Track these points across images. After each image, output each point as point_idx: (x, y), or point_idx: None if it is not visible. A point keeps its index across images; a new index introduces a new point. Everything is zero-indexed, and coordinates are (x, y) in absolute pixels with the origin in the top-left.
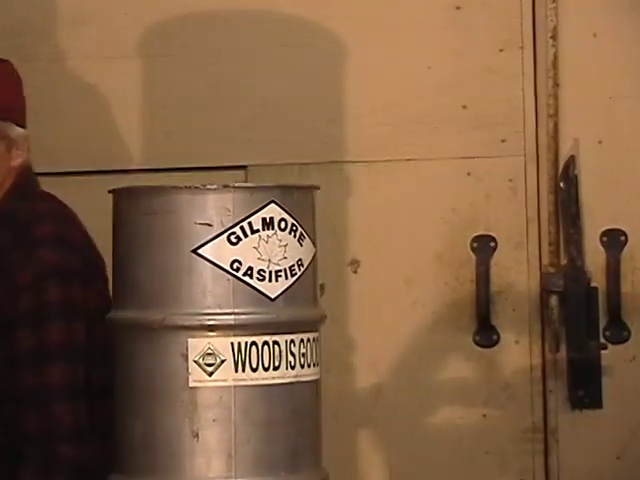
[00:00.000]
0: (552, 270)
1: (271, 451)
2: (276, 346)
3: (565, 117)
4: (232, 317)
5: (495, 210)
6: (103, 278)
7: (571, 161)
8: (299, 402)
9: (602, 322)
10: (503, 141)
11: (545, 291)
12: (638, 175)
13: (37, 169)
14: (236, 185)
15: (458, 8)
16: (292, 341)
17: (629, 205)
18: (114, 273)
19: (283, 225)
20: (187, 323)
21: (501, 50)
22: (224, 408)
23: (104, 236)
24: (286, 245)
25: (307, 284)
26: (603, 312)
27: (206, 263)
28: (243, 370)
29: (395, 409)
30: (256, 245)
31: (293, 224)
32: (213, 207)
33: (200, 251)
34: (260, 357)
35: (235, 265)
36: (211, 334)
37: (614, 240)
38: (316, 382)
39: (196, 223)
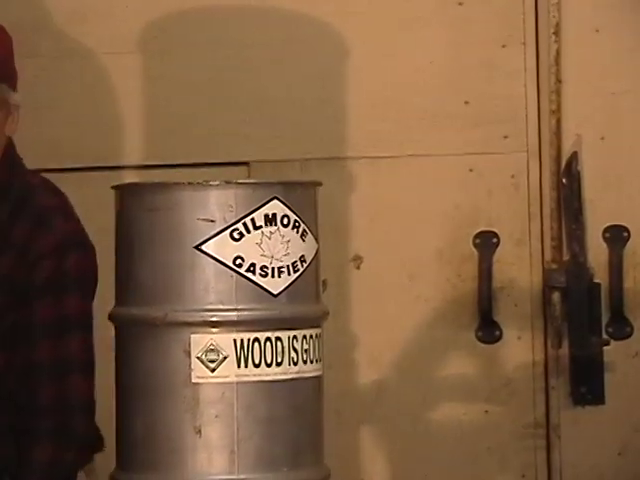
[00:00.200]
0: (554, 266)
1: (273, 447)
2: (279, 342)
3: (567, 113)
4: (235, 313)
5: (497, 206)
6: None
7: (573, 157)
8: (301, 398)
9: (604, 318)
10: (505, 137)
11: (547, 287)
12: None
13: (39, 165)
14: (238, 181)
15: (460, 4)
16: (295, 337)
17: (632, 201)
18: (116, 269)
19: (286, 221)
20: (190, 319)
21: (503, 46)
22: (226, 404)
23: (106, 232)
24: (289, 241)
25: (310, 280)
26: (605, 308)
27: (209, 259)
28: (246, 366)
29: (397, 405)
30: (259, 241)
31: (296, 220)
32: (215, 203)
33: (203, 247)
34: (262, 353)
35: (238, 261)
36: (214, 330)
37: (617, 236)
38: (318, 378)
39: (198, 219)
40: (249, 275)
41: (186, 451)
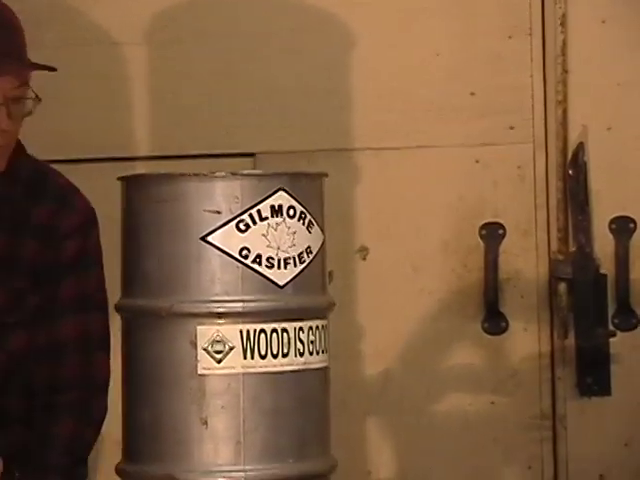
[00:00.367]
0: (561, 257)
1: (279, 438)
2: (285, 333)
3: (574, 104)
4: (241, 304)
5: (503, 197)
6: None
7: (580, 148)
8: (307, 389)
9: (611, 309)
10: (511, 128)
11: (554, 278)
12: None
13: (45, 157)
14: (244, 172)
15: None
16: (301, 328)
17: (638, 192)
18: (123, 261)
19: (292, 212)
20: (196, 310)
21: (510, 37)
22: (233, 395)
23: (112, 223)
24: (295, 232)
25: (316, 271)
26: (612, 299)
27: (215, 250)
28: (252, 357)
29: (403, 396)
30: (265, 232)
31: (302, 211)
32: (221, 194)
33: (209, 238)
34: (269, 344)
35: (244, 252)
36: (220, 321)
37: (623, 227)
38: (324, 369)
39: (204, 211)
40: (255, 266)
41: (192, 442)
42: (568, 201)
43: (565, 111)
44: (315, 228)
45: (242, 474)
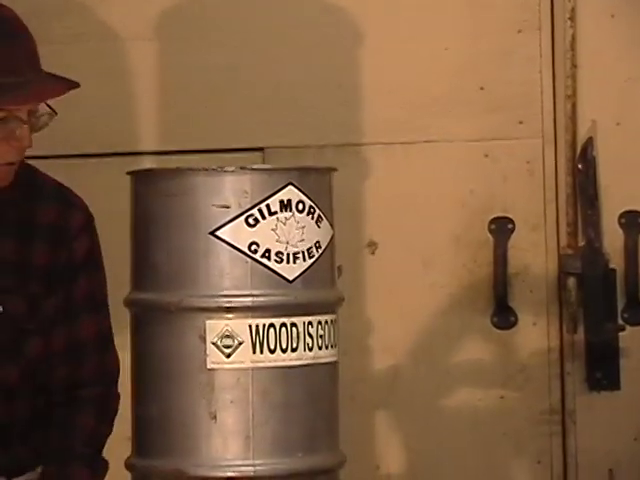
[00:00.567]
0: (570, 252)
1: (289, 433)
2: (294, 328)
3: (583, 99)
4: (250, 299)
5: (513, 192)
6: None
7: (589, 143)
8: (317, 384)
9: (620, 304)
10: (521, 123)
11: (563, 273)
12: None
13: (54, 151)
14: (253, 167)
15: None
16: (310, 323)
17: None
18: (132, 255)
19: (301, 207)
20: (205, 305)
21: (519, 31)
22: (242, 390)
23: (121, 218)
24: (304, 227)
25: (325, 266)
26: (621, 294)
27: (224, 245)
28: (261, 352)
29: (412, 391)
30: (274, 227)
31: (311, 206)
32: (230, 189)
33: (218, 233)
34: (278, 339)
35: (253, 247)
36: (229, 316)
37: (632, 222)
38: (334, 364)
39: (213, 205)
40: (264, 261)
41: (201, 437)
42: (577, 196)
43: (574, 106)
44: (324, 223)
45: (251, 468)
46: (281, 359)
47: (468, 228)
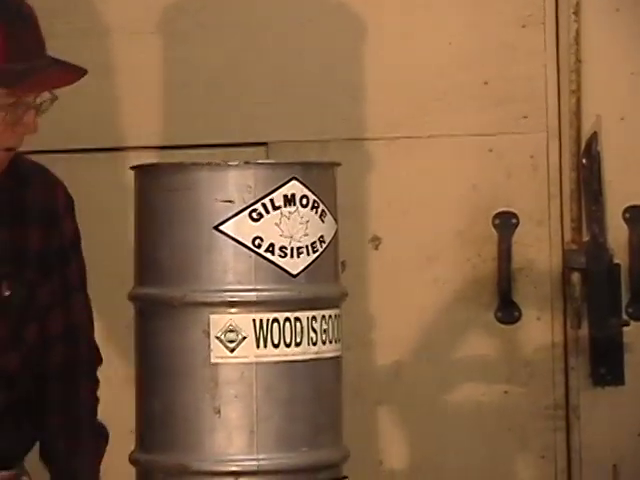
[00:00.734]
0: (574, 247)
1: (293, 427)
2: (298, 323)
3: (587, 93)
4: (254, 294)
5: (517, 187)
6: None
7: (593, 137)
8: (320, 378)
9: (624, 299)
10: (525, 117)
11: (567, 268)
12: None
13: (58, 146)
14: (257, 162)
15: None
16: (314, 317)
17: None
18: (135, 250)
19: (305, 202)
20: (209, 300)
21: (523, 26)
22: (246, 384)
23: (125, 213)
24: (308, 222)
25: (329, 261)
26: (625, 289)
27: (227, 240)
28: (265, 346)
29: (416, 386)
30: (278, 222)
31: (315, 201)
32: (234, 184)
33: (222, 228)
34: (282, 333)
35: (257, 242)
36: (233, 310)
37: (637, 217)
38: (337, 359)
39: (217, 200)
40: (268, 255)
41: (205, 431)
42: (582, 191)
43: (579, 100)
44: (328, 217)
45: (255, 463)
46: (285, 354)
47: (472, 223)
